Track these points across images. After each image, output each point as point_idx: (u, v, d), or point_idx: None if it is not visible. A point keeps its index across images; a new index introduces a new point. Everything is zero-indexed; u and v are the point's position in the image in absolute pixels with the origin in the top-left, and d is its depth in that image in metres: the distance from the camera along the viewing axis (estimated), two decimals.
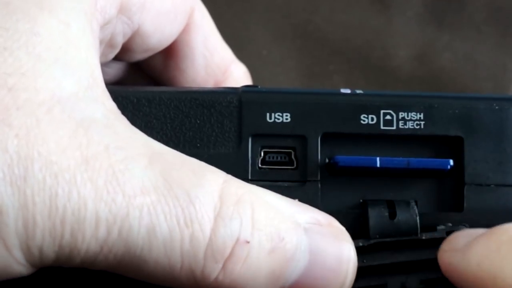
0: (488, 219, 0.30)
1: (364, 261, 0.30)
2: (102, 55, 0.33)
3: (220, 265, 0.28)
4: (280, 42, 0.57)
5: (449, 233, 0.30)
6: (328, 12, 0.56)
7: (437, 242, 0.30)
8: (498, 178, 0.32)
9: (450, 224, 0.31)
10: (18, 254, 0.27)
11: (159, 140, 0.29)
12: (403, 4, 0.56)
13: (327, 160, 0.32)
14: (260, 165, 0.32)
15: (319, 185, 0.32)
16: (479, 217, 0.31)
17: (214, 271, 0.28)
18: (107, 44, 0.33)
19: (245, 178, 0.31)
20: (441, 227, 0.31)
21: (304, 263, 0.29)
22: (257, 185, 0.30)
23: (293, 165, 0.32)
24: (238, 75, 0.39)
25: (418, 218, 0.31)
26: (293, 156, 0.32)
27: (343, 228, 0.30)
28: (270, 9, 0.57)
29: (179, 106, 0.32)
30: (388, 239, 0.30)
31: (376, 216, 0.31)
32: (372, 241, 0.30)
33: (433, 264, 0.30)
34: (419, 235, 0.30)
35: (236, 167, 0.31)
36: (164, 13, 0.34)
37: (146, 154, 0.28)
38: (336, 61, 0.56)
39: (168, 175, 0.28)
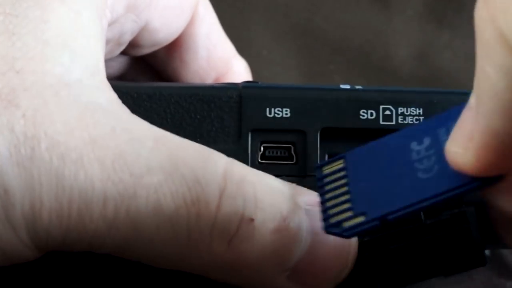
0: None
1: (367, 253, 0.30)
2: (109, 52, 0.34)
3: (226, 243, 0.28)
4: (280, 41, 0.57)
5: (454, 215, 0.30)
6: (328, 11, 0.57)
7: (442, 226, 0.30)
8: None
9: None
10: (25, 236, 0.27)
11: None
12: (403, 4, 0.56)
13: None
14: (259, 160, 0.32)
15: None
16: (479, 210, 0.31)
17: (220, 249, 0.28)
18: (115, 42, 0.34)
19: None
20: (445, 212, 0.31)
21: (307, 243, 0.29)
22: None
23: (292, 160, 0.32)
24: (239, 69, 0.39)
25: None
26: (292, 151, 0.32)
27: None
28: (270, 9, 0.57)
29: (179, 101, 0.32)
30: (392, 230, 0.30)
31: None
32: (376, 235, 0.31)
33: (439, 245, 0.30)
34: (423, 222, 0.31)
35: None
36: (170, 8, 0.35)
37: (151, 136, 0.28)
38: (336, 60, 0.56)
39: (174, 155, 0.28)
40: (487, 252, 0.31)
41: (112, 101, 0.29)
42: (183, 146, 0.29)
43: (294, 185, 0.30)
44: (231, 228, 0.28)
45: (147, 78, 0.40)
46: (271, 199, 0.29)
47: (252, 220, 0.28)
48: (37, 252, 0.28)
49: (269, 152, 0.32)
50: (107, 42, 0.32)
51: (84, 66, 0.28)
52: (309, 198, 0.29)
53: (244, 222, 0.28)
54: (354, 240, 0.30)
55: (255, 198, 0.28)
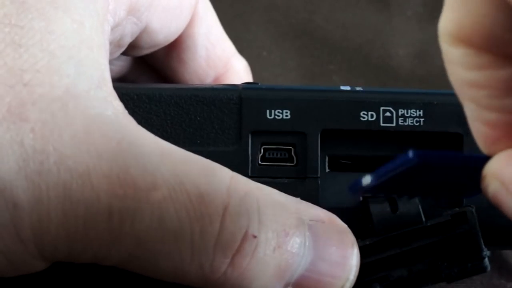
0: (489, 214, 0.30)
1: (370, 256, 0.30)
2: (110, 54, 0.34)
3: (229, 260, 0.28)
4: (280, 42, 0.57)
5: (454, 216, 0.30)
6: (328, 11, 0.57)
7: (443, 227, 0.30)
8: None
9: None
10: (33, 248, 0.27)
11: (159, 137, 0.30)
12: (403, 3, 0.56)
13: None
14: (260, 162, 0.32)
15: (319, 182, 0.32)
16: (479, 211, 0.31)
17: (222, 265, 0.28)
18: (115, 44, 0.34)
19: (245, 175, 0.31)
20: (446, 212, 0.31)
21: (309, 258, 0.29)
22: (257, 181, 0.30)
23: (293, 162, 0.32)
24: (239, 68, 0.39)
25: (420, 206, 0.31)
26: (293, 153, 0.32)
27: (345, 225, 0.30)
28: (270, 10, 0.57)
29: (179, 103, 0.32)
30: (393, 233, 0.30)
31: (378, 212, 0.31)
32: (378, 238, 0.30)
33: (440, 248, 0.30)
34: (423, 224, 0.30)
35: (236, 164, 0.31)
36: (170, 9, 0.35)
37: (157, 150, 0.28)
38: (336, 60, 0.56)
39: (178, 170, 0.28)
40: (488, 253, 0.31)
41: (119, 113, 0.29)
42: (188, 160, 0.29)
43: (298, 199, 0.30)
44: (234, 245, 0.28)
45: (146, 78, 0.40)
46: (274, 215, 0.29)
47: (255, 236, 0.28)
48: (44, 263, 0.28)
49: (269, 154, 0.32)
50: (109, 44, 0.32)
51: (90, 77, 0.28)
52: (313, 213, 0.30)
53: (247, 239, 0.28)
54: (355, 257, 0.30)
55: (259, 215, 0.28)
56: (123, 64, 0.39)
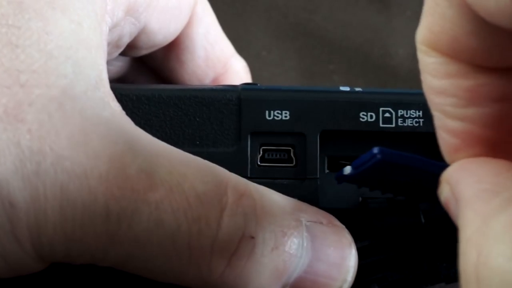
0: None
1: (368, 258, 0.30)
2: (108, 54, 0.34)
3: (226, 261, 0.28)
4: (279, 42, 0.57)
5: None
6: (328, 11, 0.57)
7: (442, 227, 0.30)
8: None
9: None
10: (30, 248, 0.27)
11: (158, 138, 0.30)
12: (403, 3, 0.56)
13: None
14: (259, 163, 0.32)
15: (318, 183, 0.32)
16: None
17: (220, 266, 0.28)
18: (114, 45, 0.33)
19: (244, 176, 0.31)
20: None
21: (307, 260, 0.29)
22: (257, 182, 0.30)
23: (292, 163, 0.32)
24: (237, 69, 0.39)
25: (419, 207, 0.31)
26: (292, 154, 0.32)
27: (343, 226, 0.30)
28: (270, 10, 0.57)
29: (179, 103, 0.32)
30: (392, 234, 0.30)
31: (377, 213, 0.31)
32: (377, 239, 0.31)
33: (439, 248, 0.30)
34: (422, 224, 0.31)
35: (235, 165, 0.31)
36: (169, 10, 0.35)
37: (153, 151, 0.28)
38: (336, 60, 0.56)
39: (176, 171, 0.28)
40: None
41: (116, 114, 0.29)
42: (185, 161, 0.29)
43: (296, 200, 0.30)
44: (232, 246, 0.28)
45: (145, 78, 0.40)
46: (272, 216, 0.29)
47: (252, 238, 0.28)
48: (41, 263, 0.28)
49: (268, 155, 0.32)
50: (107, 44, 0.32)
51: (87, 78, 0.28)
52: (311, 214, 0.30)
53: (244, 240, 0.28)
54: (353, 258, 0.30)
55: (256, 216, 0.28)
56: (122, 64, 0.39)
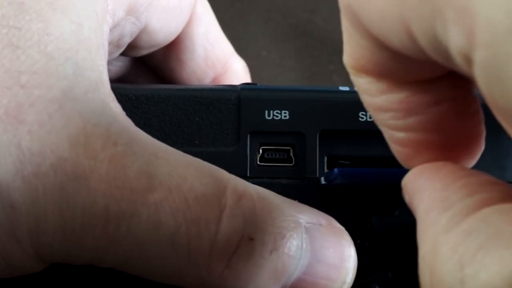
0: None
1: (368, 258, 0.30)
2: (108, 54, 0.34)
3: (225, 262, 0.28)
4: (279, 42, 0.57)
5: None
6: (328, 11, 0.57)
7: None
8: (495, 174, 0.32)
9: None
10: (30, 249, 0.27)
11: (157, 138, 0.30)
12: None
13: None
14: (258, 162, 0.32)
15: (318, 182, 0.32)
16: None
17: (219, 268, 0.28)
18: (114, 44, 0.34)
19: (243, 176, 0.31)
20: None
21: (306, 261, 0.29)
22: (256, 182, 0.30)
23: (291, 162, 0.32)
24: (237, 69, 0.39)
25: None
26: (291, 153, 0.32)
27: (342, 228, 0.30)
28: (270, 10, 0.57)
29: (178, 103, 0.32)
30: (392, 234, 0.30)
31: (377, 213, 0.31)
32: (376, 239, 0.31)
33: None
34: None
35: (234, 165, 0.31)
36: (170, 9, 0.35)
37: (152, 152, 0.28)
38: (336, 60, 0.56)
39: (175, 172, 0.28)
40: None
41: (116, 115, 0.29)
42: (185, 163, 0.29)
43: (295, 202, 0.30)
44: (231, 247, 0.28)
45: (145, 78, 0.40)
46: (271, 218, 0.29)
47: (251, 239, 0.28)
48: (41, 264, 0.28)
49: (268, 155, 0.32)
50: (107, 44, 0.32)
51: (88, 79, 0.28)
52: (310, 215, 0.30)
53: (243, 242, 0.28)
54: (352, 259, 0.30)
55: (255, 217, 0.28)
56: (122, 64, 0.39)
